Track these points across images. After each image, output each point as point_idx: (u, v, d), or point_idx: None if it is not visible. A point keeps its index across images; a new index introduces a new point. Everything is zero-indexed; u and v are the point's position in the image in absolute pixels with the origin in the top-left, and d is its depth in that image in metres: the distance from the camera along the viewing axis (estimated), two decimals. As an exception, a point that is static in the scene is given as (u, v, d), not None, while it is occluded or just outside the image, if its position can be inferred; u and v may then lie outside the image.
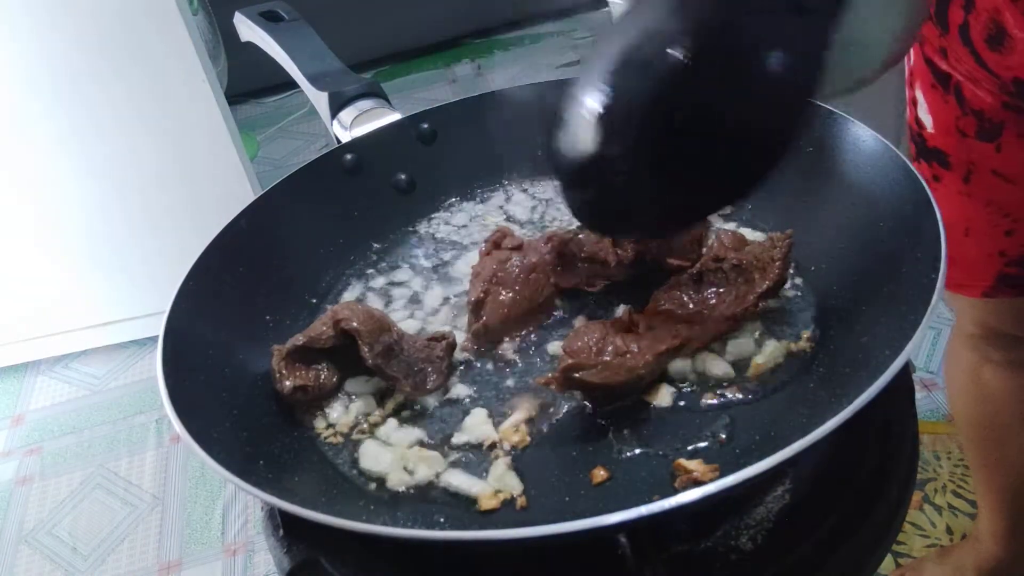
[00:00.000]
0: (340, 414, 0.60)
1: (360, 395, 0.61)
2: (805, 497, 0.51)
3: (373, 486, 0.55)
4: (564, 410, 0.57)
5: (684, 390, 0.57)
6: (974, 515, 1.34)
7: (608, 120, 0.51)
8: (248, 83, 2.79)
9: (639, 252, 0.66)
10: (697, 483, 0.49)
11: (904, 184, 0.58)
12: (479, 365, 0.62)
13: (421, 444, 0.57)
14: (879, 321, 0.54)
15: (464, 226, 0.77)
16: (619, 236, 0.64)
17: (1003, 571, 1.22)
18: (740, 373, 0.58)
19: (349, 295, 0.71)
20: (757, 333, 0.60)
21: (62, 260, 1.90)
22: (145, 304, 1.96)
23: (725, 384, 0.57)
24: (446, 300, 0.69)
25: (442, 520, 0.52)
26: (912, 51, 0.87)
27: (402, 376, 0.59)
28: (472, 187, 0.80)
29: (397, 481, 0.54)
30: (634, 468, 0.52)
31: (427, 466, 0.55)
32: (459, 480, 0.54)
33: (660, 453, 0.53)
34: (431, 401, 0.60)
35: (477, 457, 0.55)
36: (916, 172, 0.58)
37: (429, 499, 0.53)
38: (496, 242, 0.68)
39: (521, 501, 0.52)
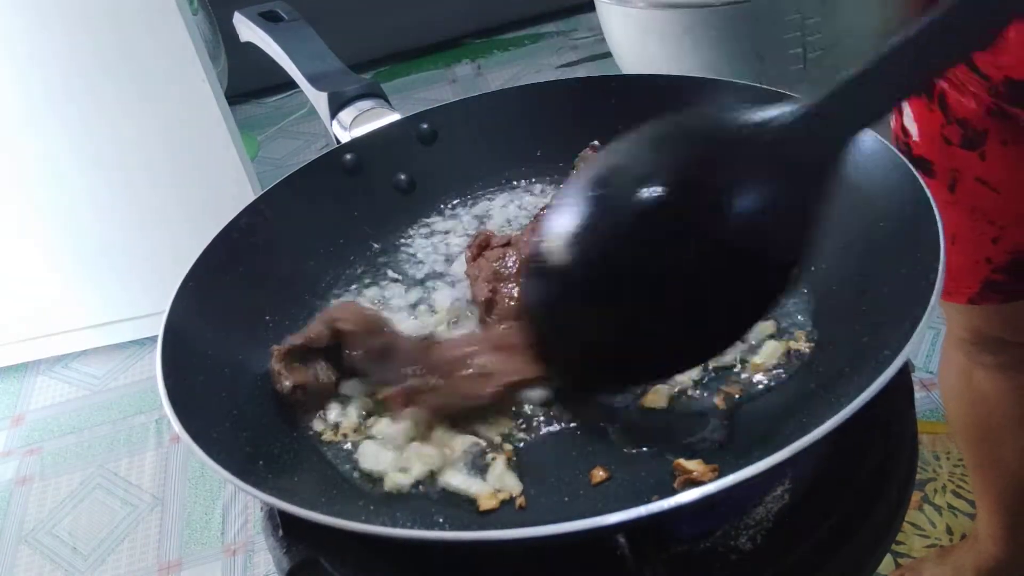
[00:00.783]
0: (337, 414, 0.60)
1: (355, 397, 0.61)
2: (805, 497, 0.51)
3: (373, 486, 0.55)
4: (563, 410, 0.57)
5: (683, 390, 0.57)
6: (974, 515, 1.34)
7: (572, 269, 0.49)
8: (248, 83, 2.80)
9: None
10: (697, 483, 0.49)
11: (904, 184, 0.58)
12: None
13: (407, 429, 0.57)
14: (879, 321, 0.54)
15: (464, 226, 0.77)
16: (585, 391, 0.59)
17: (1003, 571, 1.22)
18: (740, 373, 0.58)
19: (348, 295, 0.71)
20: (757, 333, 0.60)
21: (62, 260, 1.90)
22: (145, 304, 1.96)
23: (725, 384, 0.57)
24: (446, 300, 0.69)
25: (442, 520, 0.52)
26: None
27: (380, 378, 0.59)
28: (472, 187, 0.80)
29: (397, 481, 0.54)
30: (634, 468, 0.52)
31: (424, 464, 0.55)
32: (458, 480, 0.54)
33: (660, 453, 0.53)
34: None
35: (476, 457, 0.55)
36: (916, 172, 0.58)
37: (429, 499, 0.53)
38: (482, 245, 0.69)
39: (520, 501, 0.52)
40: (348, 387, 0.61)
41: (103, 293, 1.96)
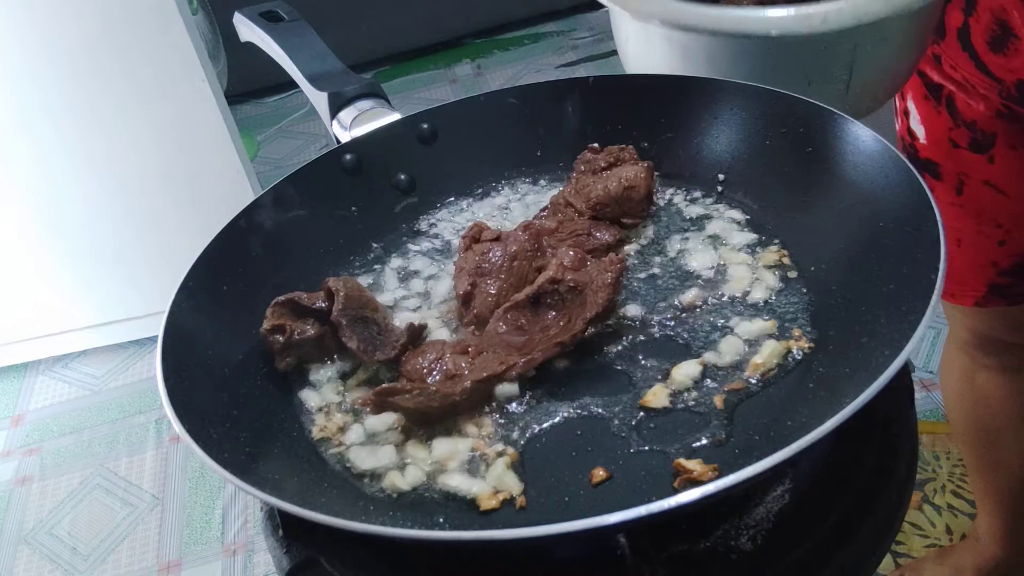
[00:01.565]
0: (326, 409, 0.61)
1: (327, 381, 0.62)
2: (805, 497, 0.51)
3: (372, 486, 0.55)
4: (563, 410, 0.57)
5: (683, 390, 0.57)
6: (974, 515, 1.34)
7: None
8: (248, 83, 2.80)
9: (596, 208, 0.70)
10: (697, 483, 0.49)
11: (904, 184, 0.58)
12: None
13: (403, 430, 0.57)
14: (879, 321, 0.54)
15: (464, 226, 0.77)
16: None
17: (1002, 571, 1.22)
18: (740, 373, 0.58)
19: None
20: (757, 333, 0.60)
21: (62, 260, 1.90)
22: (145, 304, 1.96)
23: (725, 384, 0.57)
24: (445, 299, 0.69)
25: (442, 520, 0.52)
26: None
27: (357, 338, 0.61)
28: (472, 187, 0.80)
29: (396, 481, 0.54)
30: (634, 468, 0.52)
31: (423, 464, 0.55)
32: (457, 480, 0.54)
33: (660, 453, 0.53)
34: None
35: (476, 457, 0.55)
36: (916, 172, 0.58)
37: (429, 499, 0.53)
38: (474, 236, 0.69)
39: (520, 501, 0.52)
40: (316, 373, 0.63)
41: (103, 293, 1.96)
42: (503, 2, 3.06)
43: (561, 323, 0.61)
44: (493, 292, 0.65)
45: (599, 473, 0.52)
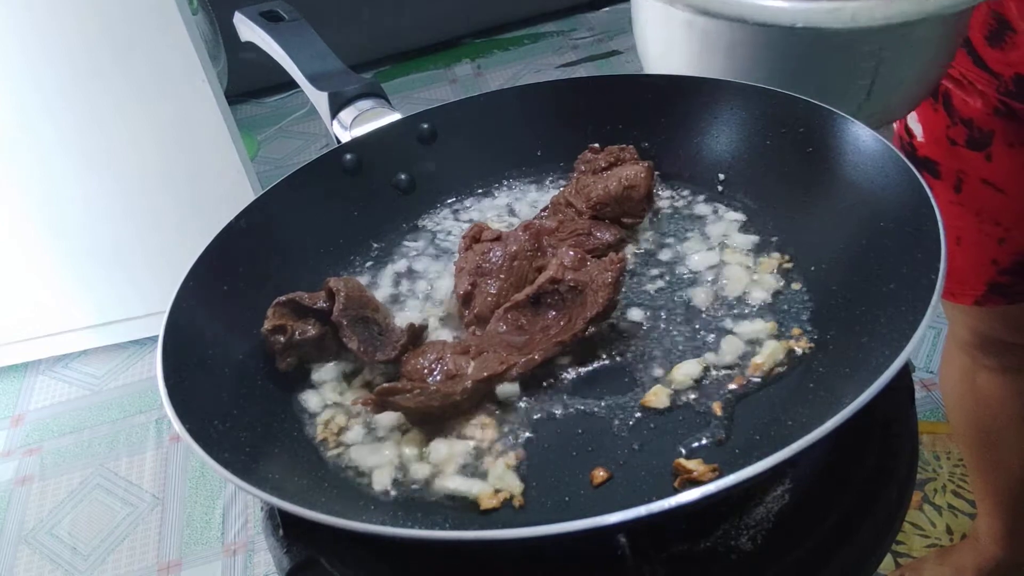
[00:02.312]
0: (326, 410, 0.61)
1: (328, 381, 0.62)
2: (805, 497, 0.51)
3: (373, 486, 0.55)
4: (563, 410, 0.57)
5: (683, 390, 0.57)
6: (974, 515, 1.34)
7: None
8: (248, 83, 2.80)
9: (596, 208, 0.70)
10: (697, 483, 0.49)
11: (904, 184, 0.58)
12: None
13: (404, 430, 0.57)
14: (879, 321, 0.54)
15: (464, 226, 0.77)
16: None
17: (1002, 571, 1.22)
18: (740, 373, 0.58)
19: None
20: (757, 333, 0.60)
21: (62, 260, 1.90)
22: (145, 304, 1.96)
23: (725, 384, 0.57)
24: (445, 299, 0.69)
25: (442, 520, 0.52)
26: None
27: (357, 339, 0.61)
28: (472, 187, 0.80)
29: (396, 480, 0.54)
30: (634, 468, 0.52)
31: (423, 464, 0.55)
32: (458, 480, 0.54)
33: (660, 453, 0.53)
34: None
35: (476, 457, 0.55)
36: (916, 172, 0.58)
37: (429, 499, 0.53)
38: (475, 236, 0.69)
39: (521, 501, 0.52)
40: (319, 373, 0.63)
41: (103, 293, 1.96)
42: (503, 2, 3.06)
43: (561, 323, 0.61)
44: (493, 292, 0.65)
45: (599, 473, 0.52)
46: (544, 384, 0.59)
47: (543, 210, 0.75)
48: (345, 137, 0.78)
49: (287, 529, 0.52)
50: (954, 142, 0.85)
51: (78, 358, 2.10)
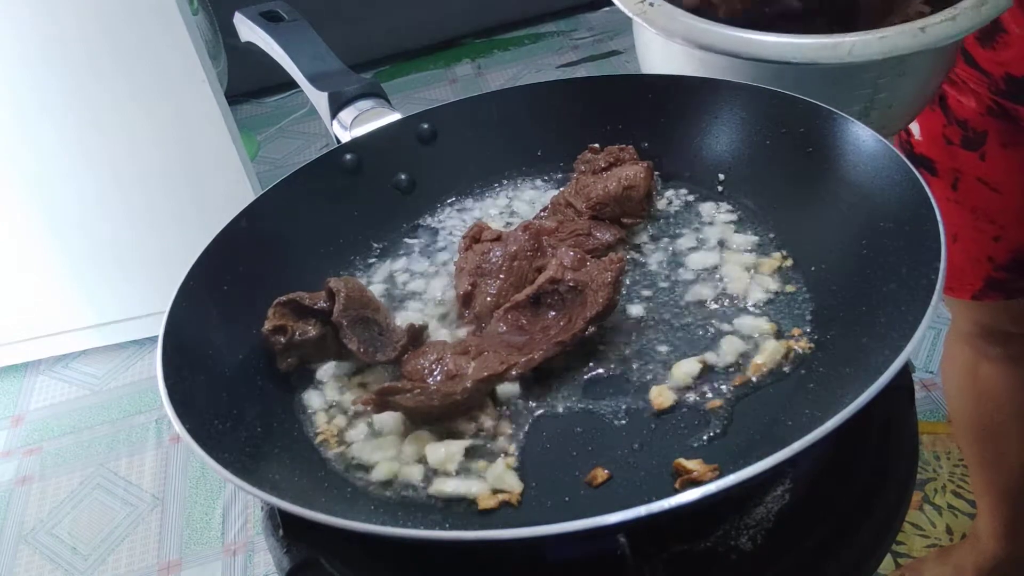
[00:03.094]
0: (327, 410, 0.61)
1: (328, 381, 0.62)
2: (805, 497, 0.51)
3: (373, 486, 0.55)
4: (563, 410, 0.57)
5: (683, 390, 0.57)
6: (974, 515, 1.34)
7: None
8: (248, 83, 2.80)
9: (596, 208, 0.70)
10: (697, 483, 0.49)
11: (904, 184, 0.58)
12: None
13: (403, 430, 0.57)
14: (879, 321, 0.54)
15: (464, 226, 0.77)
16: None
17: (1002, 571, 1.22)
18: (740, 373, 0.58)
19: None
20: (757, 332, 0.60)
21: (62, 260, 1.90)
22: (145, 304, 1.96)
23: (725, 384, 0.57)
24: (445, 299, 0.69)
25: (442, 520, 0.52)
26: None
27: (357, 339, 0.61)
28: (472, 187, 0.80)
29: (396, 480, 0.54)
30: (634, 468, 0.52)
31: (423, 464, 0.55)
32: (457, 480, 0.54)
33: (660, 453, 0.53)
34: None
35: (476, 457, 0.55)
36: (916, 172, 0.58)
37: (429, 499, 0.53)
38: (475, 236, 0.69)
39: (520, 500, 0.52)
40: (323, 371, 0.63)
41: (103, 293, 1.96)
42: (503, 2, 3.06)
43: (561, 323, 0.61)
44: (493, 292, 0.65)
45: (599, 473, 0.52)
46: (544, 384, 0.59)
47: (543, 210, 0.75)
48: (345, 137, 0.78)
49: (287, 529, 0.52)
50: (950, 141, 0.85)
51: (78, 358, 2.10)
